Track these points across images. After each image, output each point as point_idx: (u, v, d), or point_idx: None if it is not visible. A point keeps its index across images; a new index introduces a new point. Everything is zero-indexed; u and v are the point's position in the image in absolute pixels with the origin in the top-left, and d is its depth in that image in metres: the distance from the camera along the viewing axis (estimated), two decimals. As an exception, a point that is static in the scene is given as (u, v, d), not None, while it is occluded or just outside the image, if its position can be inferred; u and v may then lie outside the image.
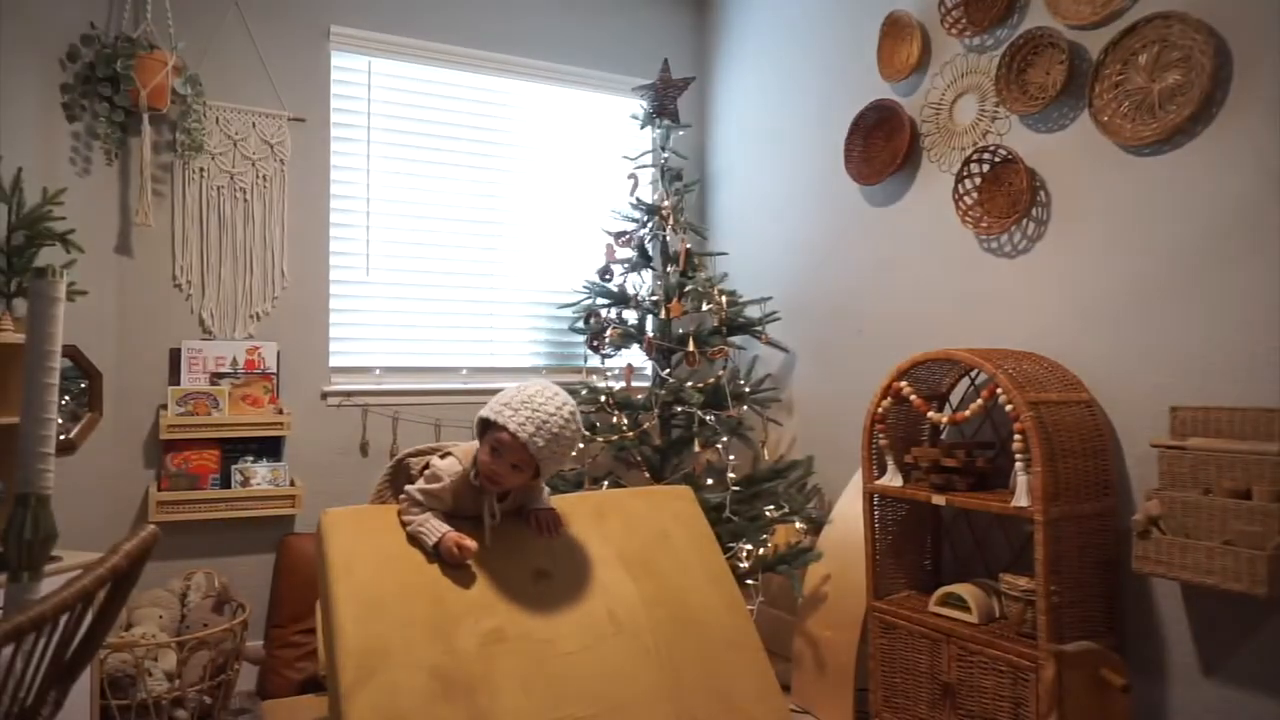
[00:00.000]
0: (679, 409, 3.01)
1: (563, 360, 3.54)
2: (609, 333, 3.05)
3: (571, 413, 1.67)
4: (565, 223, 3.55)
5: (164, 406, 2.80)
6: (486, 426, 1.68)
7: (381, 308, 3.25)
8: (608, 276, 3.19)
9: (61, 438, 2.56)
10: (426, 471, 1.75)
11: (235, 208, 2.96)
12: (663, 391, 2.98)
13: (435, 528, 1.63)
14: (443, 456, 1.76)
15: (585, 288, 3.23)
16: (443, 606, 1.53)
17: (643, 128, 3.30)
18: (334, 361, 3.14)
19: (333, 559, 1.54)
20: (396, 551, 1.60)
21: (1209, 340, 1.95)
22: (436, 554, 1.62)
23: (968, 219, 2.49)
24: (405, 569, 1.57)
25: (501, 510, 1.73)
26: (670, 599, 1.73)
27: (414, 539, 1.65)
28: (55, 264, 1.79)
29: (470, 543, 1.62)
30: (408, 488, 1.73)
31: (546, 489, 1.86)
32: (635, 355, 3.25)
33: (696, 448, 2.86)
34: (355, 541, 1.59)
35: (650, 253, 3.16)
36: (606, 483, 3.00)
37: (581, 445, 1.61)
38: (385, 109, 3.26)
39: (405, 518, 1.68)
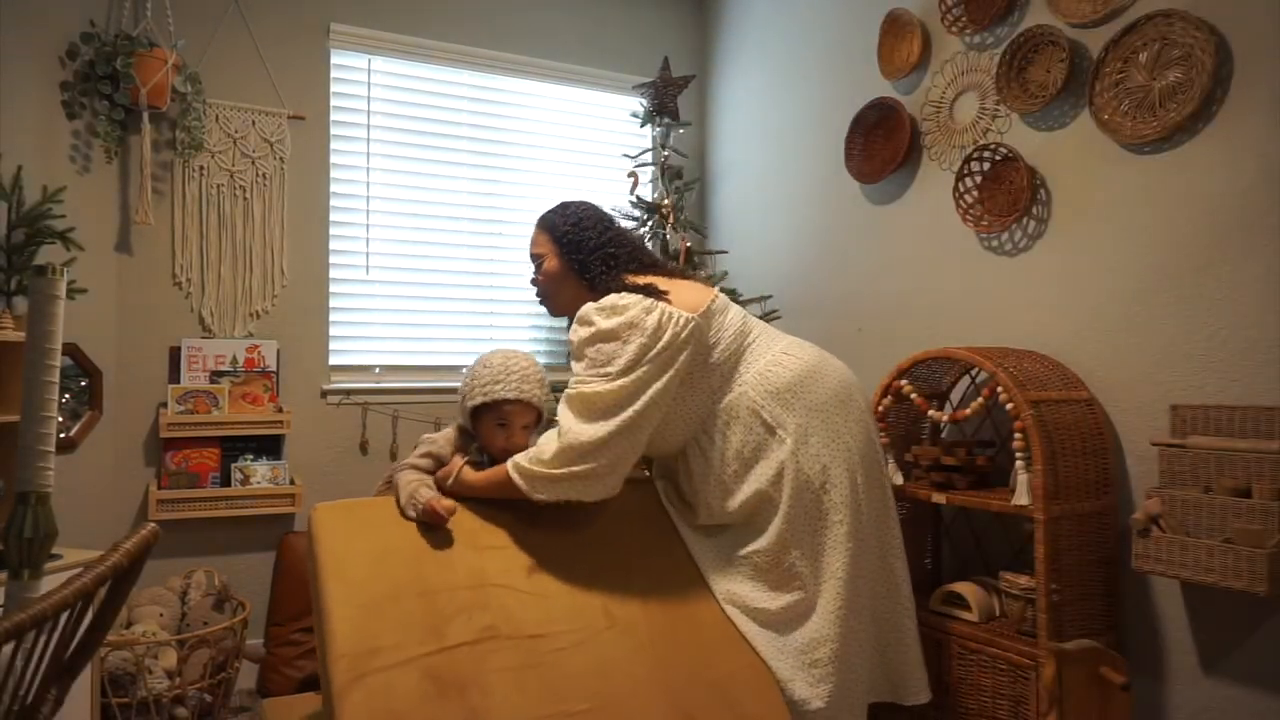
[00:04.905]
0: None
1: (563, 358, 3.54)
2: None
3: (526, 355, 1.81)
4: (565, 221, 3.55)
5: (164, 405, 2.80)
6: (479, 414, 1.76)
7: (381, 306, 3.25)
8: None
9: (61, 436, 2.56)
10: (417, 449, 1.81)
11: (235, 206, 2.96)
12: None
13: (420, 496, 1.66)
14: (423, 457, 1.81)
15: (585, 286, 3.22)
16: (435, 605, 1.52)
17: (643, 126, 3.29)
18: (334, 360, 3.14)
19: (323, 559, 1.53)
20: (387, 547, 1.59)
21: (1209, 338, 1.95)
22: (421, 523, 1.65)
23: (968, 217, 2.49)
24: (397, 566, 1.56)
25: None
26: (665, 592, 1.72)
27: (403, 510, 1.67)
28: (55, 262, 1.79)
29: (448, 503, 1.65)
30: (397, 463, 1.80)
31: None
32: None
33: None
34: (346, 540, 1.57)
35: (650, 251, 3.16)
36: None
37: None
38: (385, 107, 3.26)
39: (398, 491, 1.71)
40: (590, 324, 1.68)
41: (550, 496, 1.64)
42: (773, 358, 1.73)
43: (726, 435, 1.71)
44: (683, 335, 1.65)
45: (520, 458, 1.66)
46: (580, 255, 1.80)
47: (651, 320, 1.64)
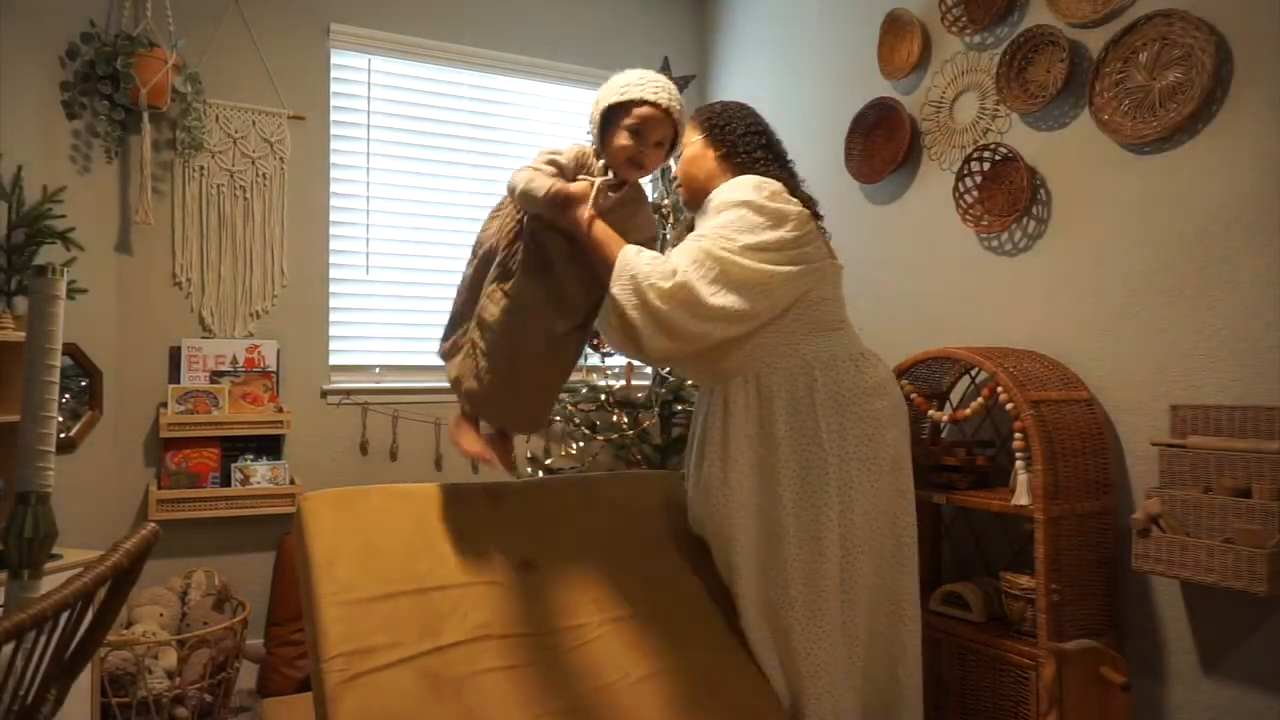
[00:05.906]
0: (679, 407, 3.01)
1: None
2: (609, 331, 3.05)
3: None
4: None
5: (164, 405, 2.80)
6: (611, 118, 1.58)
7: (381, 306, 3.25)
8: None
9: (62, 436, 2.56)
10: (538, 156, 1.61)
11: (235, 206, 2.96)
12: (663, 390, 2.98)
13: (544, 181, 1.50)
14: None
15: (585, 286, 3.22)
16: (428, 603, 1.50)
17: (643, 126, 3.29)
18: (334, 360, 3.14)
19: (314, 556, 1.51)
20: (379, 541, 1.57)
21: (1209, 338, 1.95)
22: (548, 205, 1.50)
23: (968, 217, 2.49)
24: (389, 563, 1.54)
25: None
26: (659, 587, 1.72)
27: (523, 198, 1.53)
28: (55, 262, 1.79)
29: (580, 187, 1.50)
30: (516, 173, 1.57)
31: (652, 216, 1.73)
32: (635, 353, 3.24)
33: (696, 446, 2.86)
34: (337, 536, 1.55)
35: (650, 251, 3.16)
36: (606, 481, 3.00)
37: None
38: (385, 107, 3.26)
39: (513, 180, 1.56)
40: (747, 193, 1.56)
41: (619, 317, 1.50)
42: (846, 356, 1.65)
43: (771, 394, 1.62)
44: (815, 264, 1.60)
45: (635, 260, 1.49)
46: (728, 138, 1.70)
47: (804, 231, 1.57)
